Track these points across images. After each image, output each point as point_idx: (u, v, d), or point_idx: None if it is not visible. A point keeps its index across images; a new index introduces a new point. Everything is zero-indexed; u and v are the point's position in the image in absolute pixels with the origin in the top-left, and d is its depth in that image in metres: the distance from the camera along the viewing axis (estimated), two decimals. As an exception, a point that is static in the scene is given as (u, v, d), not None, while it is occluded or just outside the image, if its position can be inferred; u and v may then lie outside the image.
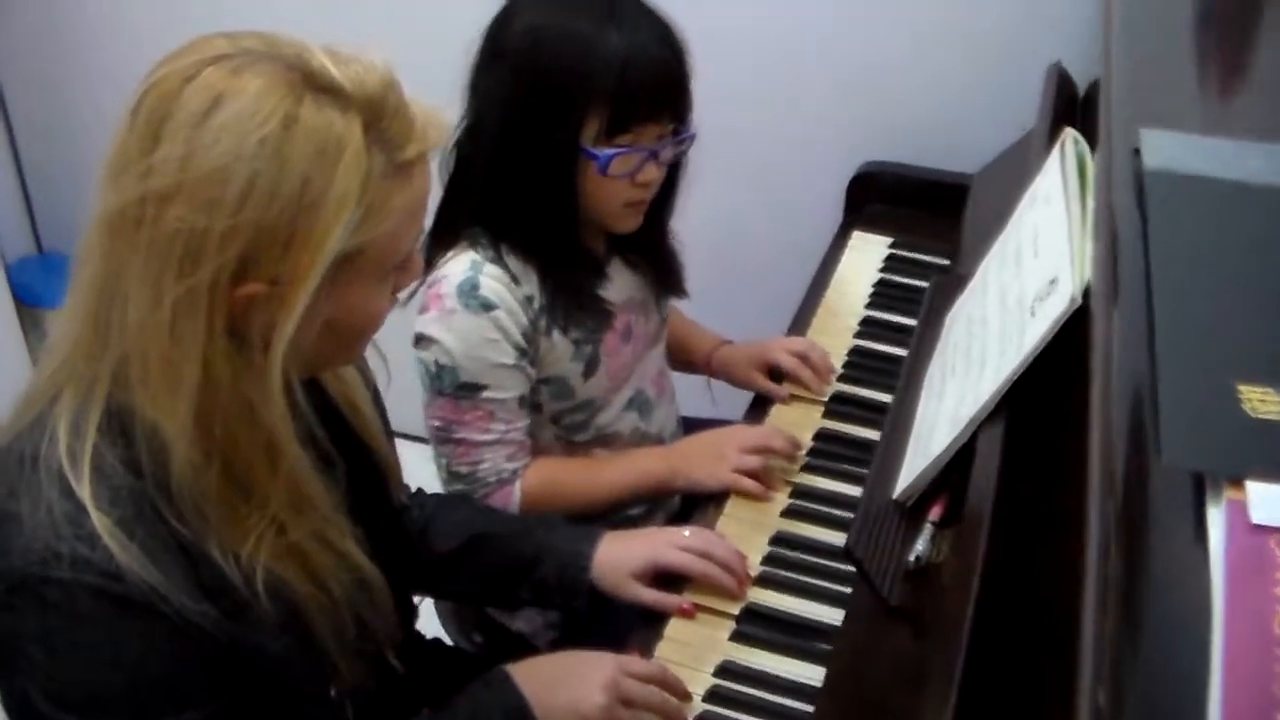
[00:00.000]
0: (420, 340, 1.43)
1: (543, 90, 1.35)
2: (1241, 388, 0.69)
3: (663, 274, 1.60)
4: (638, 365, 1.60)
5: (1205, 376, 0.70)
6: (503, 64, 1.38)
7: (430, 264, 1.46)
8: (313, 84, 0.91)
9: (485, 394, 1.43)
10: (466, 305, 1.40)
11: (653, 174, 1.42)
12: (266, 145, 0.88)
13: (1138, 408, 0.69)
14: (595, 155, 1.36)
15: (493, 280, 1.41)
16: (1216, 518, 0.63)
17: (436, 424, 1.47)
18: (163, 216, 0.89)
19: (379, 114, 0.93)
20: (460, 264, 1.42)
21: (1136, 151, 0.89)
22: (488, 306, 1.40)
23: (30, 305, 2.62)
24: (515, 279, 1.42)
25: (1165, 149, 0.88)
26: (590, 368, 1.52)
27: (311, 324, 0.94)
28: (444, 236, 1.46)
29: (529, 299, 1.43)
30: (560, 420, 1.56)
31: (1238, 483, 0.65)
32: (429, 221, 1.44)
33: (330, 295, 0.94)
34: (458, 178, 1.45)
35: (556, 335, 1.47)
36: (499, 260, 1.42)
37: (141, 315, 0.91)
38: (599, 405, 1.57)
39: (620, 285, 1.54)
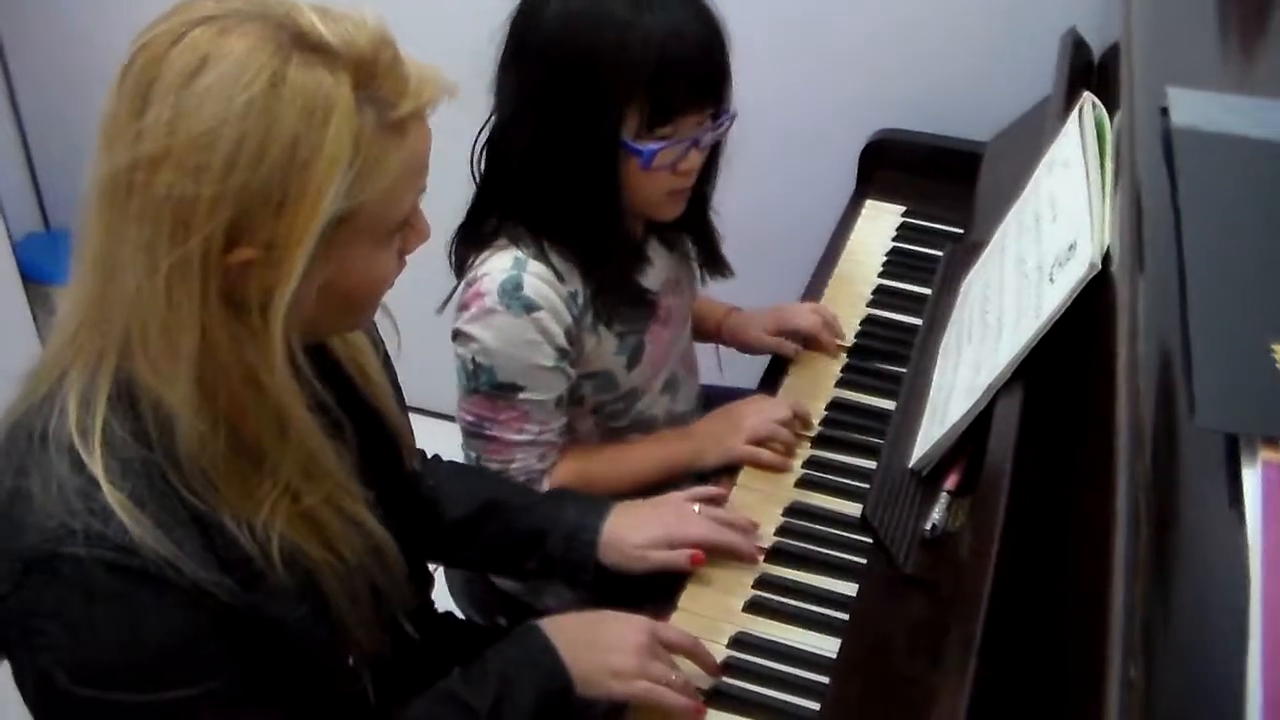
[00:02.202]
0: (458, 337, 1.40)
1: (579, 84, 1.29)
2: (1276, 347, 0.67)
3: (706, 255, 1.57)
4: (673, 346, 1.58)
5: (1239, 337, 0.68)
6: (533, 56, 1.32)
7: (464, 263, 1.43)
8: (301, 43, 0.89)
9: (522, 395, 1.40)
10: (509, 305, 1.35)
11: (695, 161, 1.37)
12: (253, 106, 0.87)
13: (1166, 371, 0.68)
14: (638, 150, 1.32)
15: (537, 279, 1.36)
16: (1252, 480, 0.61)
17: (469, 419, 1.44)
18: (153, 183, 0.87)
19: (370, 71, 0.91)
20: (502, 261, 1.37)
21: (1164, 110, 0.87)
22: (530, 307, 1.36)
23: (38, 282, 2.61)
24: (560, 276, 1.38)
25: (1193, 107, 0.86)
26: (634, 358, 1.49)
27: (310, 288, 0.92)
28: (477, 235, 1.42)
29: (573, 295, 1.39)
30: (601, 410, 1.53)
31: (1273, 443, 0.63)
32: (458, 219, 1.44)
33: (328, 258, 0.92)
34: (491, 176, 1.41)
35: (602, 330, 1.44)
36: (542, 256, 1.37)
37: (138, 284, 0.90)
38: (640, 393, 1.54)
39: (659, 268, 1.51)
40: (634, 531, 1.30)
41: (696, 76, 1.32)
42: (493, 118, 1.39)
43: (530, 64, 1.33)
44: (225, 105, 0.86)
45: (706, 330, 1.76)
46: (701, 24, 1.31)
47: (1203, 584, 0.57)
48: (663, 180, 1.36)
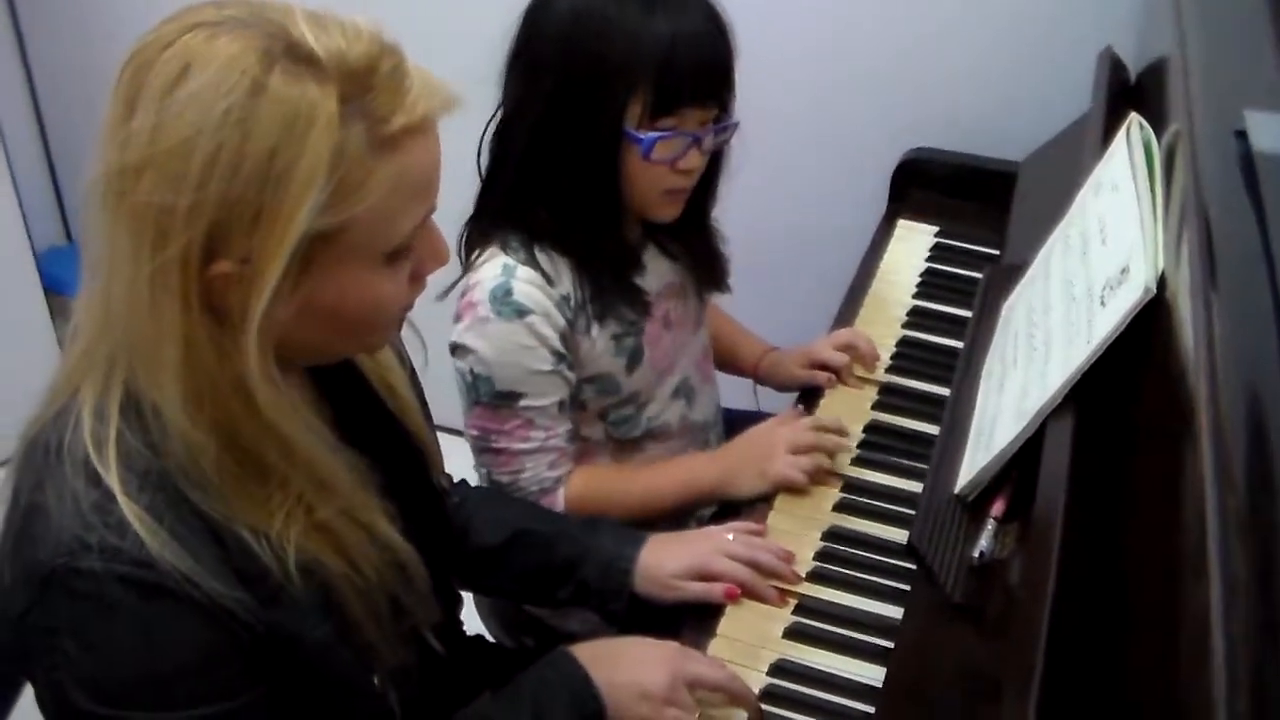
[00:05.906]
0: (455, 349, 1.40)
1: (586, 73, 1.31)
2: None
3: (703, 268, 1.56)
4: (681, 352, 1.57)
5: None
6: (543, 48, 1.34)
7: (467, 263, 1.43)
8: (290, 53, 0.87)
9: (523, 402, 1.40)
10: (500, 312, 1.36)
11: (695, 161, 1.38)
12: (231, 115, 0.84)
13: (1254, 398, 0.66)
14: (638, 138, 1.33)
15: (526, 284, 1.37)
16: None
17: (475, 433, 1.44)
18: (136, 189, 0.86)
19: (363, 84, 0.88)
20: (491, 269, 1.38)
21: (1239, 134, 0.85)
22: (522, 312, 1.36)
23: (60, 295, 2.61)
24: (549, 279, 1.38)
25: (1273, 131, 0.83)
26: (633, 361, 1.48)
27: (288, 306, 0.90)
28: (481, 232, 1.42)
29: (565, 298, 1.39)
30: (608, 416, 1.52)
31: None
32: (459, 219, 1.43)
33: (310, 276, 0.90)
34: (494, 169, 1.41)
35: (596, 332, 1.43)
36: (531, 261, 1.38)
37: (125, 292, 0.88)
38: (646, 398, 1.53)
39: (656, 272, 1.51)
40: (668, 561, 1.29)
41: (702, 70, 1.33)
42: (499, 111, 1.39)
43: (539, 54, 1.34)
44: (204, 113, 0.85)
45: (743, 369, 1.75)
46: (711, 23, 1.34)
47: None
48: (661, 176, 1.37)
